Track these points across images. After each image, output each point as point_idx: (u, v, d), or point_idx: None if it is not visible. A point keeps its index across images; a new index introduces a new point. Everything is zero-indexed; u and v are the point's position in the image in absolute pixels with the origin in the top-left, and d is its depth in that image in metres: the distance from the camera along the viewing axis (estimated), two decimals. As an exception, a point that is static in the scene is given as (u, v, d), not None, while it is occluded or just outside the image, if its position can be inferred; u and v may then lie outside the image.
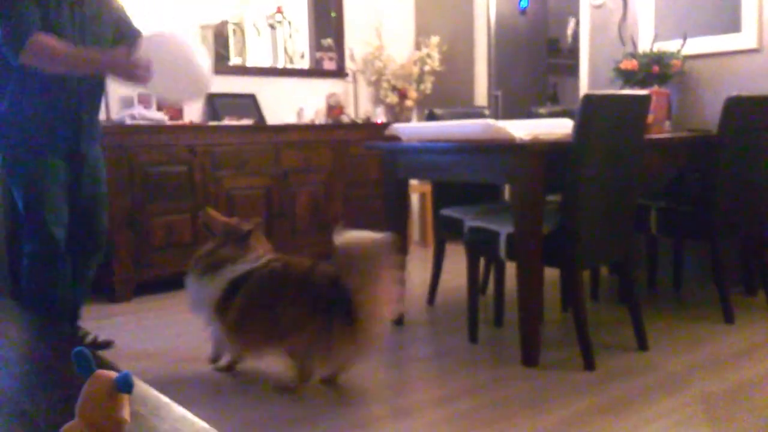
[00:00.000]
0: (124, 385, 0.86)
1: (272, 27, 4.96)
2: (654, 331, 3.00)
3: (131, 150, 3.83)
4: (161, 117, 4.07)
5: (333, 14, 5.20)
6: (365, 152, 4.64)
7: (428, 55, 5.30)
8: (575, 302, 2.70)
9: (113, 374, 0.87)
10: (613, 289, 3.83)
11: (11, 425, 1.08)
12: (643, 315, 2.87)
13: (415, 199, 5.48)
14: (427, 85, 5.34)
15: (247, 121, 4.42)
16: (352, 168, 4.76)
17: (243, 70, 4.80)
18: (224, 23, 4.79)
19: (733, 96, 3.13)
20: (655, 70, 3.72)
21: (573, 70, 4.76)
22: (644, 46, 3.98)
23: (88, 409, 0.86)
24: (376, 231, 2.38)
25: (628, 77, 3.83)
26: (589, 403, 2.33)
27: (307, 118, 4.89)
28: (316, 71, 5.14)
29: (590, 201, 2.65)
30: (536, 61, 5.59)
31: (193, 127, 4.16)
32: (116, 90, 4.14)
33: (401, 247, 3.38)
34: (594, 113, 2.57)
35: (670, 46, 3.85)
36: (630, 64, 3.80)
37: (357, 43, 5.28)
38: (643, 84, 3.74)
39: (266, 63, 4.95)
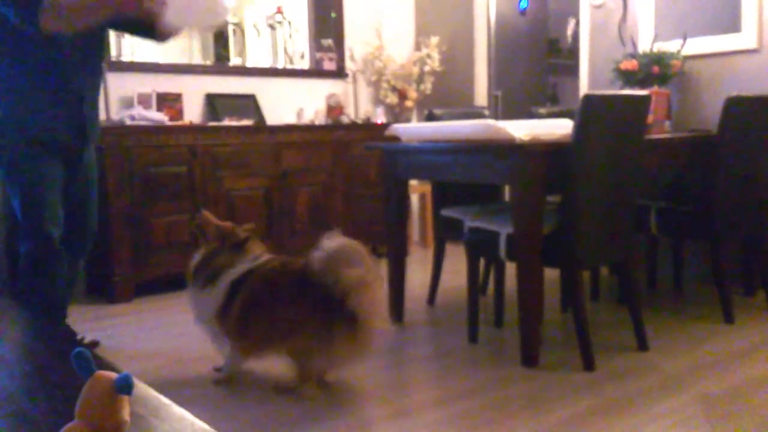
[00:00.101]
0: (124, 386, 0.86)
1: (272, 27, 4.96)
2: (654, 331, 3.00)
3: (131, 150, 3.83)
4: (161, 117, 4.07)
5: (333, 14, 5.20)
6: (365, 153, 4.64)
7: (428, 56, 5.30)
8: (575, 302, 2.70)
9: (113, 375, 0.87)
10: (613, 290, 3.83)
11: (11, 426, 1.08)
12: (643, 315, 2.87)
13: (415, 199, 5.48)
14: (427, 86, 5.34)
15: (247, 122, 4.43)
16: (351, 168, 4.76)
17: (243, 71, 4.80)
18: (224, 23, 4.79)
19: (733, 96, 3.13)
20: (655, 70, 3.72)
21: (573, 70, 4.77)
22: (644, 46, 3.98)
23: (88, 410, 0.86)
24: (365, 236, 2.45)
25: (628, 77, 3.83)
26: (589, 403, 2.33)
27: (306, 118, 4.89)
28: (315, 71, 5.14)
29: (590, 201, 2.65)
30: (536, 62, 5.59)
31: (193, 128, 4.16)
32: (116, 90, 4.16)
33: (401, 247, 3.38)
34: (594, 113, 2.57)
35: (670, 46, 3.85)
36: (630, 65, 3.80)
37: (357, 43, 5.28)
38: (643, 84, 3.74)
39: (266, 63, 4.96)
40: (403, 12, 5.58)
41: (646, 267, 3.89)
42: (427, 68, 5.30)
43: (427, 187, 5.02)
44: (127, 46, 4.32)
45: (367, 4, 5.34)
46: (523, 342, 2.70)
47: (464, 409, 2.32)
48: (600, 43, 4.38)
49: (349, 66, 5.26)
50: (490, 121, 2.83)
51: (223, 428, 2.19)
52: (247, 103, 4.70)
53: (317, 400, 2.37)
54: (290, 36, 5.05)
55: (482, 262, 3.42)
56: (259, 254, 2.56)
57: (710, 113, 3.67)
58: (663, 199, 3.51)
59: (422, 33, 5.53)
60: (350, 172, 4.76)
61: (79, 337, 3.02)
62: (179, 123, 4.23)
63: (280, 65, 5.01)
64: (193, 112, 4.51)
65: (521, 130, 2.68)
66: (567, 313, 3.34)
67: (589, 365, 2.63)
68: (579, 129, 2.57)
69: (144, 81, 4.28)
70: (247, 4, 4.88)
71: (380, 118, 5.15)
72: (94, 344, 3.05)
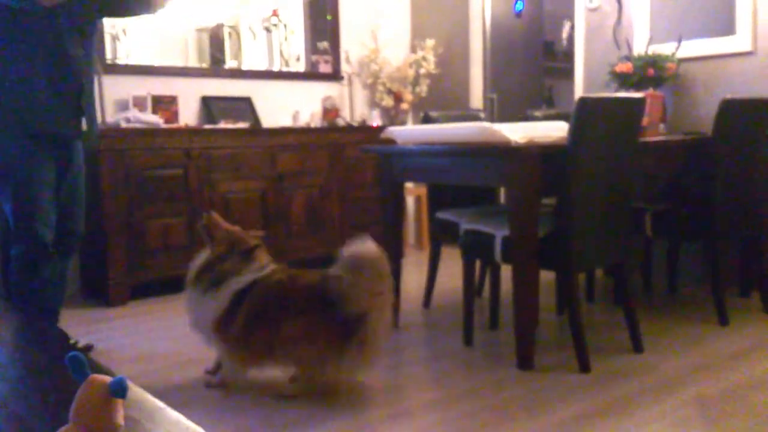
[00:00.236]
0: (119, 390, 0.86)
1: (268, 30, 4.96)
2: (649, 333, 3.01)
3: (126, 153, 3.83)
4: (156, 120, 4.07)
5: (329, 17, 5.20)
6: (361, 155, 4.64)
7: (424, 58, 5.31)
8: (571, 305, 2.70)
9: (108, 379, 0.87)
10: (609, 292, 3.84)
11: (5, 429, 1.07)
12: (638, 317, 2.88)
13: (410, 201, 5.48)
14: (423, 88, 5.34)
15: (242, 125, 4.42)
16: (347, 171, 4.76)
17: (239, 74, 4.80)
18: (220, 26, 4.79)
19: (728, 98, 3.14)
20: (650, 72, 3.73)
21: (568, 73, 4.78)
22: (639, 49, 3.99)
23: (83, 414, 0.86)
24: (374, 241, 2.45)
25: (623, 80, 3.83)
26: (585, 405, 2.33)
27: (302, 121, 4.89)
28: (311, 74, 5.14)
29: (585, 204, 2.66)
30: (531, 64, 5.61)
31: (188, 130, 4.15)
32: (111, 93, 4.15)
33: (397, 250, 3.38)
34: (589, 116, 2.58)
35: (665, 48, 3.86)
36: (625, 67, 3.81)
37: (352, 45, 5.28)
38: (638, 87, 3.75)
39: (262, 66, 4.96)
40: (399, 15, 5.59)
41: (641, 269, 3.90)
42: (422, 71, 5.31)
43: (423, 190, 5.02)
44: (122, 49, 4.31)
45: (362, 6, 5.34)
46: (519, 344, 2.70)
47: (460, 411, 2.32)
48: (595, 46, 4.39)
49: (345, 68, 5.27)
50: (486, 124, 2.83)
51: None
52: (243, 106, 4.70)
53: (312, 403, 2.37)
54: (286, 39, 5.05)
55: (478, 264, 3.42)
56: (264, 264, 2.51)
57: (705, 116, 3.68)
58: (658, 201, 3.52)
59: (418, 36, 5.53)
60: (346, 175, 4.76)
61: (72, 341, 3.01)
62: (175, 126, 4.23)
63: (275, 68, 5.01)
64: (188, 115, 4.50)
65: (517, 132, 2.69)
66: (562, 316, 3.34)
67: (584, 367, 2.63)
68: (574, 131, 2.57)
69: (139, 83, 4.28)
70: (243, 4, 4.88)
71: (376, 120, 5.15)
72: (89, 348, 3.04)
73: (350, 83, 5.30)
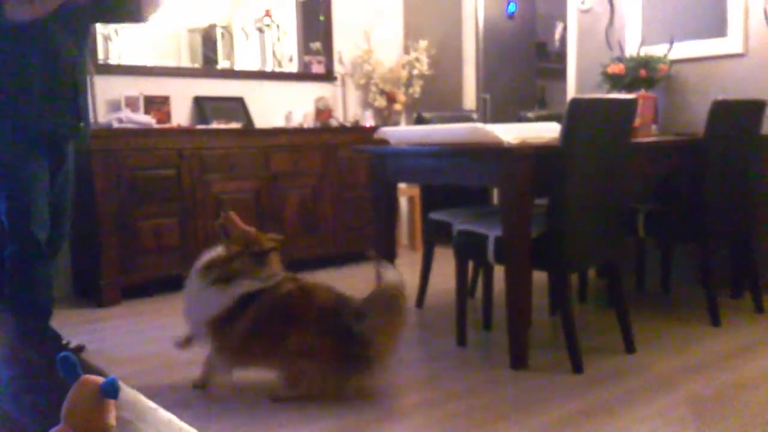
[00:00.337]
0: (110, 391, 0.86)
1: (260, 30, 4.96)
2: (641, 333, 3.02)
3: (119, 153, 3.81)
4: (149, 120, 4.05)
5: (321, 18, 5.20)
6: (354, 156, 4.64)
7: (417, 59, 5.31)
8: (563, 305, 2.71)
9: (99, 379, 0.86)
10: (601, 292, 3.85)
11: (-4, 431, 1.07)
12: (630, 318, 2.89)
13: (403, 202, 5.49)
14: (416, 89, 5.35)
15: (235, 125, 4.41)
16: (341, 171, 4.76)
17: (231, 74, 4.79)
18: (212, 27, 4.78)
19: (719, 100, 3.15)
20: (642, 74, 3.74)
21: (561, 74, 4.79)
22: (631, 50, 4.01)
23: (74, 415, 0.85)
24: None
25: (615, 81, 3.85)
26: (578, 405, 2.33)
27: (295, 121, 4.88)
28: (304, 75, 5.13)
29: (578, 204, 2.66)
30: (524, 65, 5.62)
31: (181, 131, 4.15)
32: (104, 93, 4.13)
33: (390, 250, 3.38)
34: (581, 117, 2.59)
35: (656, 50, 3.88)
36: (617, 68, 3.82)
37: (345, 46, 5.28)
38: (630, 88, 3.76)
39: (255, 66, 4.95)
40: (392, 15, 5.59)
41: (634, 269, 3.91)
42: (415, 72, 5.31)
43: (416, 190, 5.03)
44: (114, 49, 4.30)
45: (355, 7, 5.34)
46: (512, 345, 2.71)
47: (453, 411, 2.32)
48: (587, 47, 4.40)
49: (338, 69, 5.26)
50: (479, 125, 2.83)
51: (211, 432, 2.19)
52: (236, 106, 4.69)
53: (305, 404, 2.36)
54: (279, 39, 5.05)
55: (471, 265, 3.42)
56: (275, 272, 2.47)
57: (697, 117, 3.69)
58: (650, 201, 3.53)
59: (411, 36, 5.54)
60: (339, 175, 4.75)
61: (64, 341, 3.00)
62: (167, 126, 4.22)
63: (268, 68, 5.00)
64: (181, 115, 4.49)
65: (509, 133, 2.69)
66: (555, 316, 3.34)
67: (577, 367, 2.64)
68: (566, 132, 2.58)
69: (131, 84, 4.26)
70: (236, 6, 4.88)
71: (369, 121, 5.15)
72: (81, 348, 3.02)
73: (343, 84, 5.29)
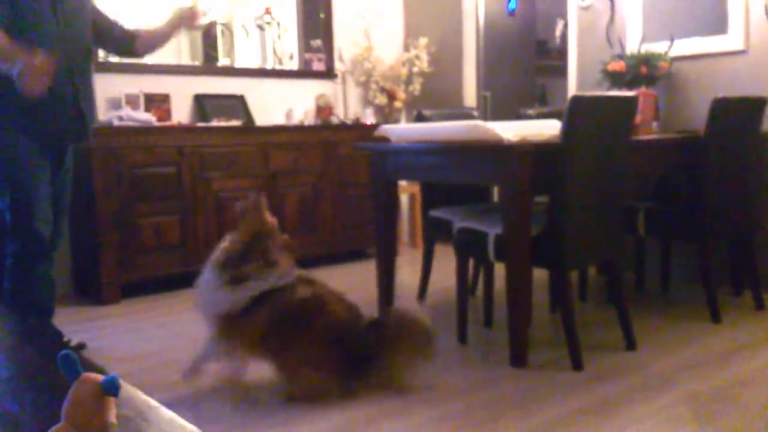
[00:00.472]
0: (111, 388, 0.86)
1: (261, 28, 4.95)
2: (642, 331, 3.02)
3: (119, 151, 3.81)
4: (149, 118, 4.05)
5: (322, 15, 5.19)
6: (355, 153, 4.64)
7: (417, 57, 5.31)
8: (563, 303, 2.71)
9: (100, 377, 0.86)
10: (601, 290, 3.85)
11: (-3, 429, 1.07)
12: (630, 315, 2.89)
13: (404, 200, 5.48)
14: (416, 87, 5.34)
15: (235, 123, 4.41)
16: (341, 169, 4.76)
17: (231, 71, 4.79)
18: (213, 24, 4.78)
19: (720, 97, 3.15)
20: (643, 71, 3.74)
21: (561, 71, 4.78)
22: (632, 47, 4.00)
23: (75, 413, 0.85)
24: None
25: (615, 79, 3.84)
26: (578, 403, 2.34)
27: (296, 119, 4.88)
28: (304, 72, 5.13)
29: (578, 202, 2.66)
30: (525, 63, 5.61)
31: (181, 129, 4.15)
32: (104, 91, 4.13)
33: (391, 248, 3.38)
34: (581, 115, 2.58)
35: (657, 47, 3.87)
36: (618, 66, 3.82)
37: (346, 44, 5.28)
38: (630, 85, 3.76)
39: (255, 64, 4.95)
40: (392, 13, 5.58)
41: (634, 267, 3.91)
42: (415, 69, 5.31)
43: (417, 188, 5.03)
44: (123, 24, 4.29)
45: (355, 4, 5.34)
46: (512, 342, 2.71)
47: (454, 409, 2.33)
48: (588, 45, 4.39)
49: (338, 67, 5.26)
50: (479, 122, 2.83)
51: (212, 430, 2.19)
52: (236, 104, 4.69)
53: (306, 401, 2.37)
54: (279, 36, 5.05)
55: (471, 262, 3.42)
56: (286, 271, 2.45)
57: (697, 114, 3.69)
58: (651, 199, 3.53)
59: (411, 34, 5.53)
60: (340, 173, 4.75)
61: (65, 339, 3.00)
62: (167, 124, 4.21)
63: (268, 66, 5.00)
64: (181, 113, 4.49)
65: (510, 131, 2.69)
66: (555, 314, 3.34)
67: (577, 365, 2.64)
68: (567, 130, 2.58)
69: (131, 81, 4.26)
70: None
71: (369, 118, 5.15)
72: (81, 346, 3.03)
73: (343, 81, 5.29)
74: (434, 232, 3.50)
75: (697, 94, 3.86)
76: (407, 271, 4.40)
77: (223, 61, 4.82)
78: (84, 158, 3.58)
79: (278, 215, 4.39)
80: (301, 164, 4.56)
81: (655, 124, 3.65)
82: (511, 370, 2.66)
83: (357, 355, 2.41)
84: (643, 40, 3.98)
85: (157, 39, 3.14)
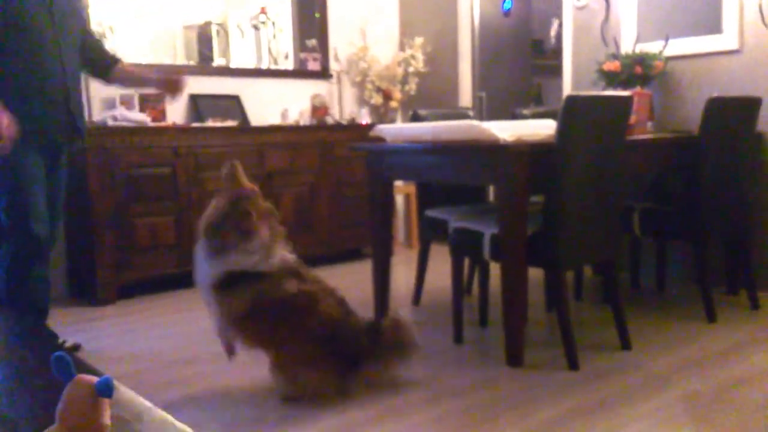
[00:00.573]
0: (105, 390, 0.86)
1: (256, 28, 4.95)
2: (637, 330, 3.02)
3: (113, 151, 3.80)
4: (143, 118, 4.04)
5: (317, 15, 5.19)
6: (350, 153, 4.64)
7: (412, 56, 5.31)
8: (559, 302, 2.71)
9: (94, 379, 0.86)
10: (597, 290, 3.85)
11: (-9, 431, 1.06)
12: (626, 315, 2.89)
13: (399, 200, 5.48)
14: (412, 86, 5.34)
15: (231, 123, 4.41)
16: (337, 169, 4.75)
17: (227, 71, 4.78)
18: (208, 24, 4.77)
19: (715, 97, 3.15)
20: (638, 71, 3.75)
21: (557, 70, 4.79)
22: (627, 47, 4.01)
23: (69, 414, 0.85)
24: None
25: (611, 78, 3.85)
26: (574, 403, 2.34)
27: (291, 119, 4.87)
28: (300, 72, 5.13)
29: (573, 202, 2.66)
30: (520, 63, 5.62)
31: (176, 129, 4.14)
32: (98, 91, 4.12)
33: (386, 248, 3.38)
34: (576, 114, 2.59)
35: (652, 47, 3.88)
36: (613, 65, 3.82)
37: (341, 43, 5.27)
38: (625, 85, 3.76)
39: (250, 64, 4.94)
40: (388, 13, 5.58)
41: (629, 267, 3.91)
42: (411, 69, 5.31)
43: (412, 188, 5.03)
44: (109, 47, 4.27)
45: (351, 4, 5.33)
46: (508, 342, 2.71)
47: (450, 409, 2.33)
48: (583, 44, 4.40)
49: (334, 66, 5.26)
50: (475, 122, 2.83)
51: (206, 431, 2.18)
52: (231, 104, 4.68)
53: (302, 402, 2.36)
54: (274, 36, 5.04)
55: (467, 262, 3.42)
56: (269, 246, 2.35)
57: (692, 114, 3.70)
58: (646, 199, 3.53)
59: (406, 34, 5.53)
60: (335, 173, 4.75)
61: (60, 340, 2.99)
62: (162, 124, 4.20)
63: (264, 66, 4.99)
64: (176, 113, 4.48)
65: (505, 130, 2.69)
66: (551, 313, 3.35)
67: (573, 365, 2.64)
68: (562, 130, 2.58)
69: (127, 82, 4.24)
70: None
71: (365, 118, 5.15)
72: (76, 347, 3.02)
73: (339, 81, 5.29)
74: (430, 232, 3.50)
75: (692, 93, 3.87)
76: (403, 271, 4.40)
77: (218, 61, 4.81)
78: (79, 159, 3.57)
79: (274, 215, 4.41)
80: (297, 164, 4.55)
81: (650, 123, 3.66)
82: (507, 370, 2.66)
83: (350, 352, 2.40)
84: (638, 39, 3.99)
85: (133, 80, 3.18)
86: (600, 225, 2.80)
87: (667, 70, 3.88)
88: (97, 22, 4.17)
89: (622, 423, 2.17)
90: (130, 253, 3.89)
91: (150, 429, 1.00)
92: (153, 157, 3.94)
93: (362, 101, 5.37)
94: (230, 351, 2.50)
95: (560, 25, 4.77)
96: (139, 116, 4.03)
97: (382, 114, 5.34)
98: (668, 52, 3.85)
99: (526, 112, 4.00)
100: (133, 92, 4.19)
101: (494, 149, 2.65)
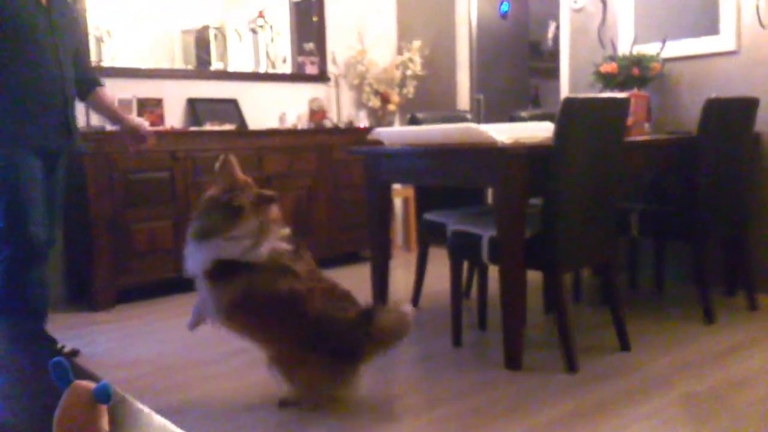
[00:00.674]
0: (103, 396, 0.85)
1: (254, 31, 4.95)
2: (636, 332, 3.02)
3: (112, 156, 3.80)
4: (142, 123, 4.03)
5: (315, 18, 5.19)
6: (348, 157, 4.64)
7: (410, 59, 5.31)
8: (558, 305, 2.71)
9: (91, 385, 0.86)
10: (595, 291, 3.85)
11: (-11, 437, 1.06)
12: (624, 316, 2.89)
13: (398, 203, 5.48)
14: (410, 89, 5.35)
15: (228, 127, 4.41)
16: (335, 172, 4.76)
17: (224, 75, 4.78)
18: (206, 28, 4.77)
19: (712, 98, 3.16)
20: (635, 72, 3.75)
21: (554, 73, 4.80)
22: (624, 49, 4.01)
23: (66, 421, 0.85)
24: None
25: (608, 80, 3.85)
26: (573, 405, 2.34)
27: (289, 122, 4.87)
28: (298, 75, 5.13)
29: (571, 204, 2.67)
30: (517, 65, 5.62)
31: (174, 133, 4.13)
32: (96, 96, 4.11)
33: (385, 251, 3.38)
34: (574, 116, 2.59)
35: (649, 48, 3.88)
36: (610, 67, 3.83)
37: (339, 47, 5.28)
38: (623, 87, 3.77)
39: (248, 68, 4.94)
40: (385, 16, 5.59)
41: (628, 268, 3.91)
42: (409, 72, 5.32)
43: (410, 191, 5.03)
44: (106, 52, 4.29)
45: (348, 8, 5.34)
46: (507, 344, 2.71)
47: (449, 412, 2.32)
48: (580, 46, 4.41)
49: (332, 70, 5.26)
50: (472, 125, 2.83)
51: (206, 435, 2.18)
52: (229, 108, 4.68)
53: (297, 405, 2.36)
54: (272, 40, 5.04)
55: (466, 265, 3.42)
56: (252, 229, 2.26)
57: (690, 115, 3.70)
58: (644, 201, 3.53)
59: (404, 37, 5.54)
60: (334, 177, 4.75)
61: (59, 345, 2.99)
62: (160, 128, 4.20)
63: (261, 69, 5.00)
64: (174, 117, 4.48)
65: (503, 133, 2.69)
66: (550, 316, 3.35)
67: (572, 367, 2.64)
68: (559, 132, 2.58)
69: (124, 86, 4.25)
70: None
71: (363, 121, 5.15)
72: (75, 353, 3.02)
73: (337, 84, 5.29)
74: (428, 235, 3.50)
75: (690, 94, 3.88)
76: (401, 275, 4.40)
77: (216, 65, 4.81)
78: (77, 163, 3.57)
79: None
80: (296, 168, 4.55)
81: (647, 125, 3.66)
82: (506, 373, 2.66)
83: (345, 349, 2.30)
84: (635, 41, 4.00)
85: (106, 112, 3.12)
86: (598, 227, 2.80)
87: (664, 71, 3.89)
88: (95, 26, 4.18)
89: (621, 424, 2.17)
90: (128, 258, 3.89)
91: (148, 434, 1.00)
92: (151, 162, 3.94)
93: (360, 104, 5.38)
94: (194, 326, 2.42)
95: (557, 28, 4.77)
96: (137, 120, 4.01)
97: (380, 117, 5.35)
98: (665, 54, 3.86)
99: (523, 114, 4.01)
100: (131, 97, 4.19)
101: (492, 152, 2.65)
